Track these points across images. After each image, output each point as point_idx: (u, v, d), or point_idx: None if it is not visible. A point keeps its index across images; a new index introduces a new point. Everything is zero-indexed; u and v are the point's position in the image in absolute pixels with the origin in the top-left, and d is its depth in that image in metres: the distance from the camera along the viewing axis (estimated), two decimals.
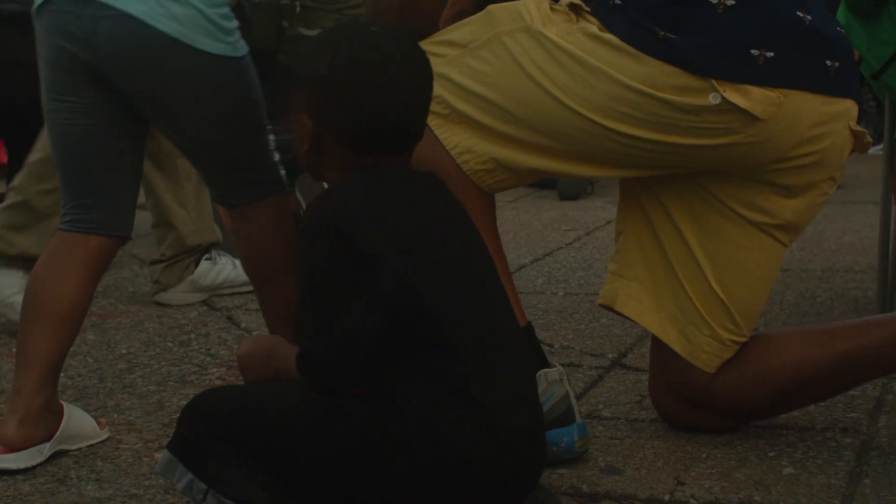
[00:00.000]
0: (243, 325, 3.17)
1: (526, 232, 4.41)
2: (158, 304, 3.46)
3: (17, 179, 3.33)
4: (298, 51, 1.86)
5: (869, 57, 2.76)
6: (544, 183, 5.45)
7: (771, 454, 2.09)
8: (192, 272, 3.48)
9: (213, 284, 3.51)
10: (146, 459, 2.16)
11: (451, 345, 1.66)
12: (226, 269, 3.52)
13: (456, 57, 2.07)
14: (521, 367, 1.76)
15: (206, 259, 3.51)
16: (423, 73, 1.79)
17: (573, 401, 2.06)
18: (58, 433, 2.17)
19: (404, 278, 1.66)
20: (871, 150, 7.03)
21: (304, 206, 4.18)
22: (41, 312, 2.16)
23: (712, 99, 1.97)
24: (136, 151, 2.23)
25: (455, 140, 2.06)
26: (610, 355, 2.74)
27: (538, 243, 4.14)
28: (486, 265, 1.81)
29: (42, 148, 3.31)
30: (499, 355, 1.71)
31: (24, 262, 3.16)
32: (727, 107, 1.97)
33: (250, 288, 3.48)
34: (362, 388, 1.69)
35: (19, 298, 3.04)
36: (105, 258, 2.21)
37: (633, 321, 2.25)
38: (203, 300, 3.48)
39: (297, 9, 4.09)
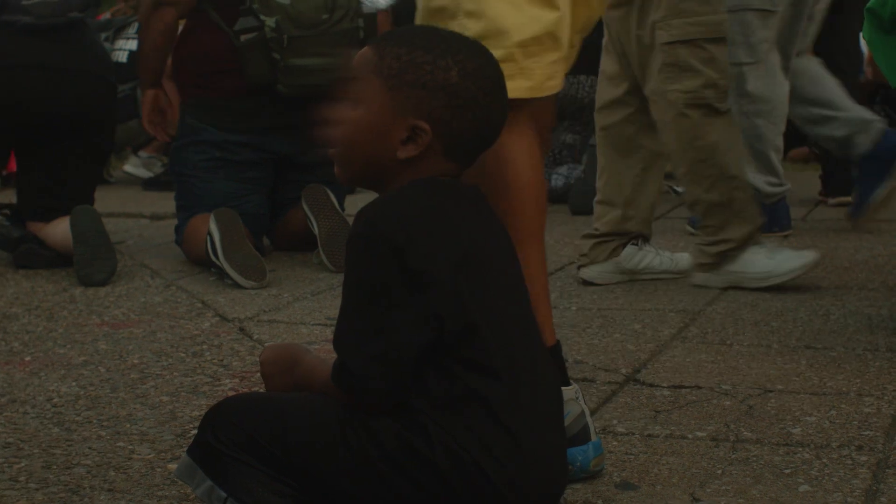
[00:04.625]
0: (255, 336, 3.16)
1: None
2: (583, 280, 3.74)
3: None
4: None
5: (888, 73, 2.76)
6: (556, 198, 5.45)
7: (787, 471, 2.08)
8: (619, 255, 3.73)
9: (635, 268, 3.74)
10: (159, 470, 2.16)
11: (489, 365, 1.65)
12: (648, 255, 3.75)
13: (453, 18, 2.01)
14: (550, 388, 1.75)
15: (633, 244, 3.75)
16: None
17: (588, 419, 2.05)
18: None
19: (455, 297, 1.63)
20: None
21: (311, 218, 4.17)
22: None
23: None
24: None
25: (515, 86, 1.93)
26: (623, 370, 2.74)
27: (550, 258, 4.12)
28: (521, 281, 1.80)
29: None
30: (530, 376, 1.70)
31: None
32: None
33: (669, 275, 3.77)
34: (394, 404, 1.67)
35: None
36: None
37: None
38: (622, 282, 3.72)
39: (286, 41, 4.18)
